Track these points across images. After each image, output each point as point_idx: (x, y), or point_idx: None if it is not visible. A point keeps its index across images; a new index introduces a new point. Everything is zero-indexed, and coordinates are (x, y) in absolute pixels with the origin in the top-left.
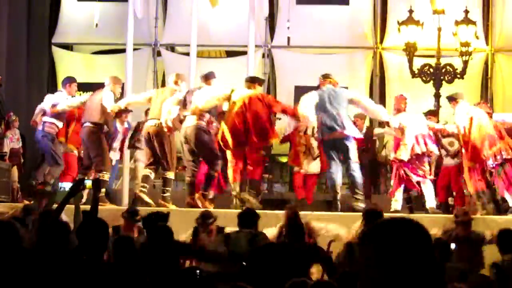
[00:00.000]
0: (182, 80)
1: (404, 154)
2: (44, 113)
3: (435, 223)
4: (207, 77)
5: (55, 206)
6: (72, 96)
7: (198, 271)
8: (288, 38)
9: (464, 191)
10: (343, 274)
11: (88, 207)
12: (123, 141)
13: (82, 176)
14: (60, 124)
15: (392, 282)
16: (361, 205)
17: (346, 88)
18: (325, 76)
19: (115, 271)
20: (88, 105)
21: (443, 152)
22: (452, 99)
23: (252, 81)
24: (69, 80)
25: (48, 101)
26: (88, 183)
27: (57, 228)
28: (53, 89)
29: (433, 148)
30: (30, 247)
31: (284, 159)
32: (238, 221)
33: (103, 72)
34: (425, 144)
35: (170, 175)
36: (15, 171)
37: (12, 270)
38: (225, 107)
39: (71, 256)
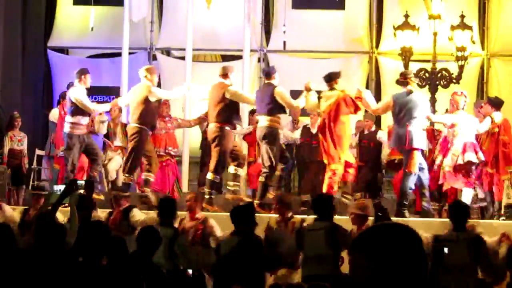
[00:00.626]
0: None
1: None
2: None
3: None
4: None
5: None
6: (87, 88)
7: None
8: (284, 42)
9: None
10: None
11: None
12: None
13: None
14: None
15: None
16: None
17: None
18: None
19: (111, 272)
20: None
21: None
22: None
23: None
24: (83, 71)
25: (83, 97)
26: (81, 183)
27: (53, 229)
28: (48, 92)
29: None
30: (27, 248)
31: None
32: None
33: (98, 76)
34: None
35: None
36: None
37: (8, 271)
38: None
39: (67, 257)
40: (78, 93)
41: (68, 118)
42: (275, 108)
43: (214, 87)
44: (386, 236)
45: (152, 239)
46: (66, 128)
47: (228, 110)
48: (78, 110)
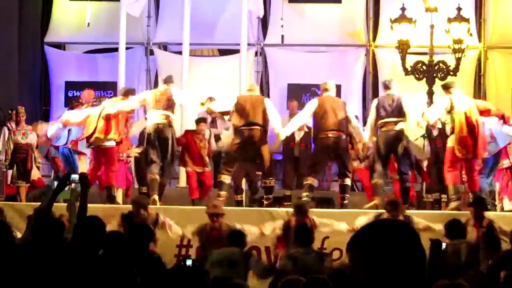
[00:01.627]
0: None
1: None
2: None
3: None
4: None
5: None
6: None
7: (189, 261)
8: (282, 36)
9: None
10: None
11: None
12: None
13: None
14: None
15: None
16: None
17: (339, 85)
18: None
19: (107, 267)
20: None
21: None
22: None
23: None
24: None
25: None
26: (75, 177)
27: (50, 225)
28: (45, 88)
29: None
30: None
31: None
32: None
33: (95, 71)
34: None
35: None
36: (14, 171)
37: (6, 268)
38: None
39: (64, 252)
40: None
41: None
42: None
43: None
44: (383, 232)
45: (145, 234)
46: None
47: None
48: None
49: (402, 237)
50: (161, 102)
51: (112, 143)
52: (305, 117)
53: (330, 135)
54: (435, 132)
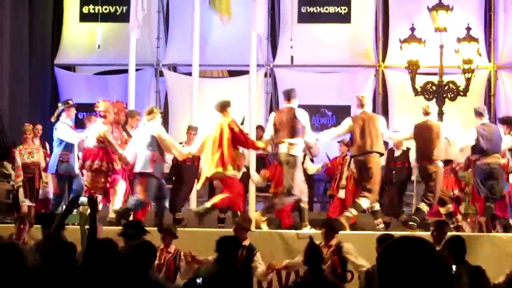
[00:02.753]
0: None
1: None
2: None
3: None
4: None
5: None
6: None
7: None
8: (291, 57)
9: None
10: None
11: None
12: None
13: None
14: None
15: None
16: None
17: (349, 106)
18: None
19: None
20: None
21: None
22: None
23: None
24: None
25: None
26: (84, 200)
27: (60, 248)
28: (56, 109)
29: None
30: (35, 267)
31: None
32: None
33: (105, 93)
34: None
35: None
36: (21, 191)
37: None
38: None
39: (76, 275)
40: None
41: None
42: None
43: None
44: (407, 249)
45: (148, 253)
46: None
47: None
48: None
49: (422, 252)
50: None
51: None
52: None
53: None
54: (397, 153)
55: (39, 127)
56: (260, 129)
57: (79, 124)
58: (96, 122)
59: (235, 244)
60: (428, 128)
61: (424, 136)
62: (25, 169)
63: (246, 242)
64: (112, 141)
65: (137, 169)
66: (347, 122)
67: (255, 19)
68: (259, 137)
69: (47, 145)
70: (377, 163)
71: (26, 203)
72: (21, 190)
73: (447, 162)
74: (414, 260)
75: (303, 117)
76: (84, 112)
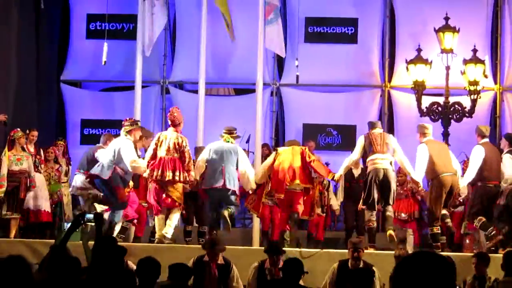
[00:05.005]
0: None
1: None
2: None
3: None
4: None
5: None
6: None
7: None
8: (297, 76)
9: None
10: None
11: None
12: None
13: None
14: None
15: None
16: None
17: (355, 126)
18: None
19: None
20: None
21: None
22: None
23: None
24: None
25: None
26: (90, 217)
27: (66, 263)
28: (61, 126)
29: None
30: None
31: None
32: None
33: (111, 110)
34: None
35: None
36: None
37: None
38: None
39: None
40: None
41: None
42: None
43: None
44: (424, 263)
45: (153, 269)
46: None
47: None
48: None
49: (440, 267)
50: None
51: None
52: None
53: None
54: (357, 172)
55: (35, 133)
56: (265, 147)
57: (85, 140)
58: (168, 131)
59: (187, 273)
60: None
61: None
62: (10, 177)
63: (220, 259)
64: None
65: None
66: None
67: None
68: (265, 156)
69: (41, 153)
70: None
71: (6, 217)
72: (5, 202)
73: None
74: (432, 277)
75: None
76: (90, 128)
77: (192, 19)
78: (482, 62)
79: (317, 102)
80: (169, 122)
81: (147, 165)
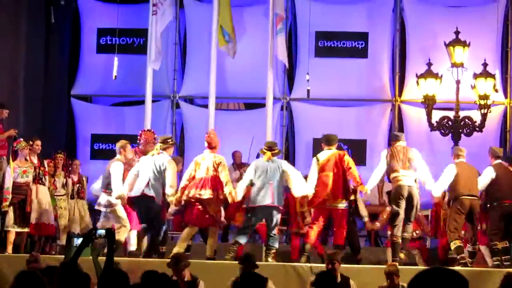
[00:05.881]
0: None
1: None
2: None
3: None
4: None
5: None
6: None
7: None
8: (308, 90)
9: None
10: None
11: None
12: None
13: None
14: None
15: None
16: None
17: (365, 140)
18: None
19: None
20: None
21: None
22: None
23: None
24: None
25: None
26: (102, 232)
27: (77, 278)
28: (71, 140)
29: None
30: None
31: None
32: None
33: (121, 124)
34: None
35: None
36: (10, 214)
37: None
38: None
39: None
40: None
41: None
42: None
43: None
44: (439, 279)
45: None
46: None
47: None
48: None
49: (454, 283)
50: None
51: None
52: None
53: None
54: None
55: (39, 142)
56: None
57: (95, 155)
58: (205, 153)
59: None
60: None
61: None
62: (15, 189)
63: (187, 276)
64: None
65: None
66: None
67: (277, 51)
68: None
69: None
70: None
71: (14, 229)
72: (10, 215)
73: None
74: None
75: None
76: (100, 143)
77: (203, 34)
78: (493, 76)
79: (327, 117)
80: (206, 144)
81: (184, 187)
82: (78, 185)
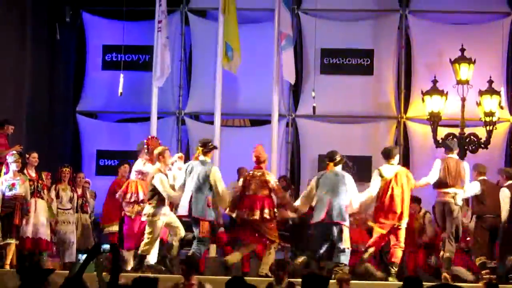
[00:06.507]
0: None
1: None
2: None
3: None
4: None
5: None
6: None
7: None
8: (314, 107)
9: None
10: None
11: None
12: None
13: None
14: None
15: None
16: None
17: (370, 157)
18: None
19: None
20: None
21: None
22: None
23: None
24: None
25: None
26: (106, 248)
27: None
28: (76, 156)
29: None
30: None
31: None
32: None
33: (127, 141)
34: None
35: None
36: None
37: None
38: None
39: None
40: None
41: None
42: None
43: None
44: None
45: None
46: None
47: None
48: None
49: None
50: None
51: None
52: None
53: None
54: None
55: (35, 155)
56: (283, 179)
57: (101, 171)
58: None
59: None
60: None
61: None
62: (3, 203)
63: (195, 281)
64: None
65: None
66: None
67: (281, 68)
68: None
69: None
70: None
71: (2, 242)
72: None
73: None
74: None
75: None
76: (105, 159)
77: (208, 51)
78: (498, 93)
79: (333, 133)
80: (254, 159)
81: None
82: (82, 198)
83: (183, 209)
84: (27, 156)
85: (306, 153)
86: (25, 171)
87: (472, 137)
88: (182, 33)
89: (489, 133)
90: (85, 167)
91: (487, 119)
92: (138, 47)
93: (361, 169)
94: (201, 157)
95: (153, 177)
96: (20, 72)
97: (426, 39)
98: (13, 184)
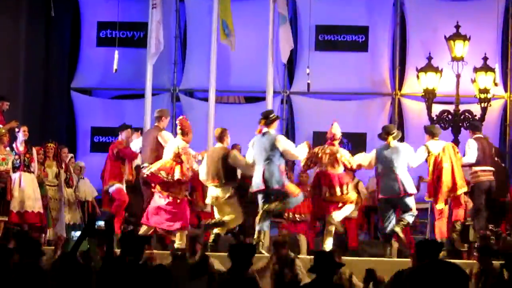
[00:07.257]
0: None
1: None
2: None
3: None
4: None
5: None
6: None
7: None
8: (308, 84)
9: None
10: None
11: None
12: None
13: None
14: None
15: None
16: None
17: (364, 134)
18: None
19: None
20: None
21: None
22: None
23: None
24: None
25: None
26: (100, 224)
27: (77, 269)
28: (71, 133)
29: None
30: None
31: None
32: None
33: (121, 117)
34: None
35: None
36: None
37: None
38: None
39: None
40: None
41: None
42: None
43: None
44: (437, 272)
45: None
46: None
47: None
48: None
49: (454, 276)
50: None
51: None
52: None
53: None
54: None
55: (25, 129)
56: None
57: (95, 148)
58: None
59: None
60: None
61: None
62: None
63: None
64: None
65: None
66: None
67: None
68: None
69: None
70: None
71: None
72: None
73: None
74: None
75: None
76: (100, 136)
77: (203, 27)
78: (493, 70)
79: (327, 110)
80: (328, 138)
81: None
82: (66, 173)
83: (258, 185)
84: (16, 130)
85: (300, 129)
86: (13, 145)
87: (466, 114)
88: (176, 9)
89: (484, 110)
90: (80, 144)
91: (482, 96)
92: (133, 24)
93: (355, 145)
94: (264, 129)
95: (222, 156)
96: (15, 49)
97: (421, 16)
98: (3, 159)
